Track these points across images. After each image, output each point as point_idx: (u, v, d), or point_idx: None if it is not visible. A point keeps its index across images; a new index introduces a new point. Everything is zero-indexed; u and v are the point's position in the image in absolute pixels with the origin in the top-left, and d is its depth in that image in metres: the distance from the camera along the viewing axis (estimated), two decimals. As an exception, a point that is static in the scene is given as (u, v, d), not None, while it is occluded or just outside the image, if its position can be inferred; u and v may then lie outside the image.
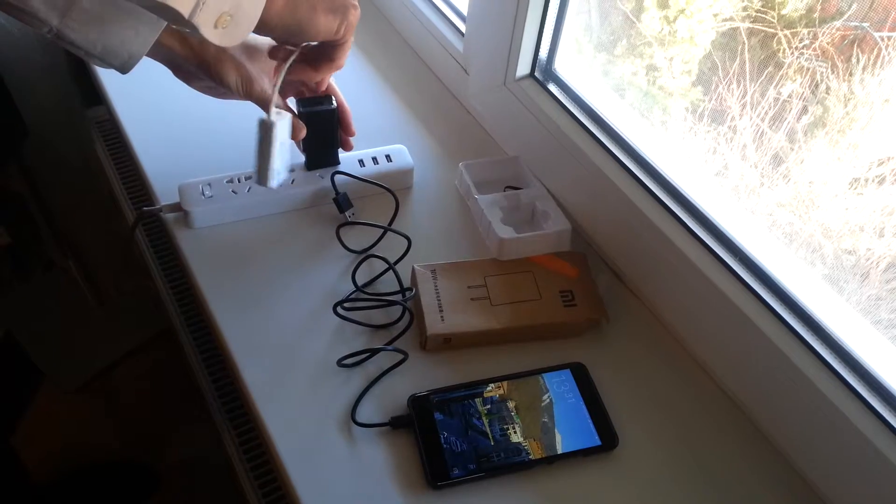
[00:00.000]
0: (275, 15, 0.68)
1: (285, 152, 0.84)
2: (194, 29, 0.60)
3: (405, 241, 0.90)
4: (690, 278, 0.81)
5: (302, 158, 0.96)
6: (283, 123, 0.81)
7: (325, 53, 0.80)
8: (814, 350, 0.73)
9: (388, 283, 0.89)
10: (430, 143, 1.08)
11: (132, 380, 1.84)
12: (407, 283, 0.88)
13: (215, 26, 0.62)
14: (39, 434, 1.73)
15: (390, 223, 0.94)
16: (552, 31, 0.95)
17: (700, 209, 0.83)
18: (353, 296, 0.87)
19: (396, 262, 0.88)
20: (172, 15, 0.59)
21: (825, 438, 0.72)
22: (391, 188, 0.96)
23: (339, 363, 0.81)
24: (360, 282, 0.88)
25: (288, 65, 0.79)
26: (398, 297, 0.85)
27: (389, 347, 0.82)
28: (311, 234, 0.94)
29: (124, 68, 0.68)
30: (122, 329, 1.84)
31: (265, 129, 0.80)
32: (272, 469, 1.10)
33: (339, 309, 0.84)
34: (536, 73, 1.00)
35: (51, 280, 1.88)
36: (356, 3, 0.75)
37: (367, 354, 0.82)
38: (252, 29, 0.66)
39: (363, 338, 0.84)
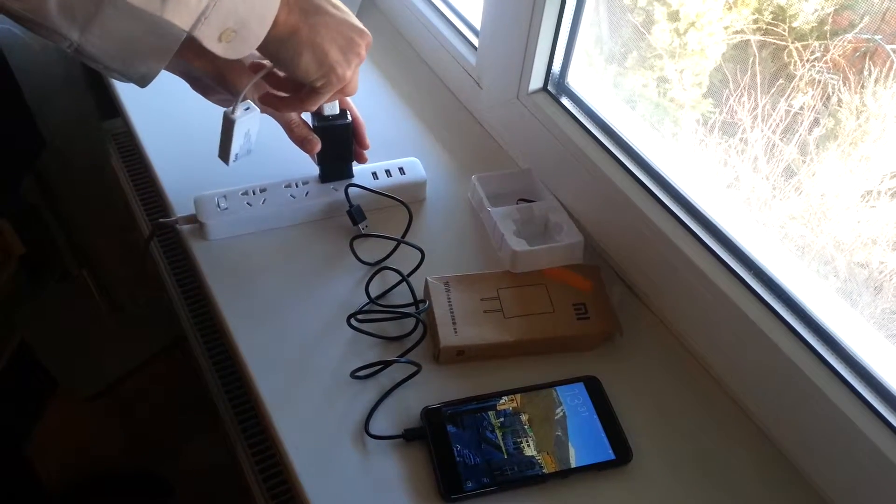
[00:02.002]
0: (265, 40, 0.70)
1: (247, 141, 0.88)
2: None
3: (419, 254, 0.90)
4: (704, 291, 0.81)
5: (316, 171, 0.97)
6: (246, 119, 0.84)
7: (298, 89, 0.81)
8: (829, 364, 0.72)
9: (401, 296, 0.89)
10: (443, 155, 1.09)
11: (146, 389, 1.84)
12: (420, 295, 0.88)
13: (219, 40, 0.65)
14: (53, 443, 1.73)
15: (404, 235, 0.94)
16: (565, 45, 0.96)
17: (713, 222, 0.83)
18: (366, 308, 0.87)
19: (410, 275, 0.89)
20: (176, 29, 0.62)
21: (841, 453, 0.72)
22: (404, 201, 0.96)
23: (353, 375, 0.81)
24: (373, 294, 0.89)
25: (255, 79, 0.81)
26: (412, 310, 0.86)
27: (403, 360, 0.82)
28: (324, 246, 0.94)
29: (143, 81, 0.69)
30: (136, 339, 1.85)
31: (226, 122, 0.84)
32: (285, 479, 1.10)
33: (352, 321, 0.84)
34: (549, 87, 1.00)
35: (66, 290, 1.89)
36: (345, 73, 0.77)
37: (381, 367, 0.82)
38: (258, 45, 0.68)
39: (376, 350, 0.85)
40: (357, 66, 0.78)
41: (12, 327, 1.82)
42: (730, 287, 0.79)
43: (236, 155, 0.87)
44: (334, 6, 0.74)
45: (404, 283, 0.89)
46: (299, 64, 0.73)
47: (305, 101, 0.80)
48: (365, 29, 0.77)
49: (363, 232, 0.94)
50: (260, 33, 0.67)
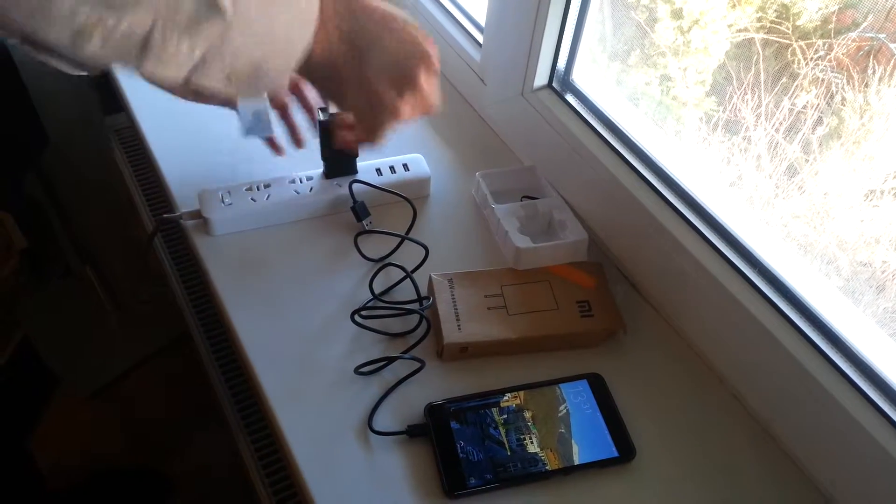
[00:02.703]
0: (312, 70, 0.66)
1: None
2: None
3: (423, 251, 0.90)
4: (707, 288, 0.82)
5: (320, 167, 0.97)
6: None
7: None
8: (833, 362, 0.73)
9: (405, 292, 0.89)
10: (447, 152, 1.09)
11: (148, 386, 1.84)
12: (424, 291, 0.89)
13: (227, 80, 0.59)
14: (55, 439, 1.73)
15: (408, 232, 0.94)
16: (570, 42, 0.96)
17: (717, 219, 0.83)
18: (370, 304, 0.87)
19: (414, 271, 0.89)
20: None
21: (844, 451, 0.72)
22: (408, 197, 0.96)
23: (357, 371, 0.81)
24: (377, 290, 0.89)
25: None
26: (415, 306, 0.86)
27: (406, 356, 0.82)
28: (328, 242, 0.95)
29: None
30: (138, 335, 1.85)
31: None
32: (288, 475, 1.10)
33: (356, 317, 0.85)
34: (554, 84, 1.00)
35: (68, 286, 1.89)
36: (398, 106, 0.71)
37: (384, 363, 0.82)
38: (284, 84, 0.64)
39: (380, 346, 0.85)
40: (413, 93, 0.72)
41: (14, 323, 1.82)
42: (734, 284, 0.80)
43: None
44: (394, 28, 0.68)
45: (408, 279, 0.89)
46: (345, 100, 0.69)
47: (368, 136, 0.75)
48: (427, 49, 0.71)
49: (367, 228, 0.94)
50: (283, 74, 0.62)
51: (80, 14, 0.47)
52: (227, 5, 0.52)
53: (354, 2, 0.65)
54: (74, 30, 0.48)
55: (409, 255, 0.92)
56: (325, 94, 0.70)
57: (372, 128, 0.72)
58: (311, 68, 0.64)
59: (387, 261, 0.92)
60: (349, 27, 0.64)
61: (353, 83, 0.67)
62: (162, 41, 0.51)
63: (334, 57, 0.65)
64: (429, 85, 0.72)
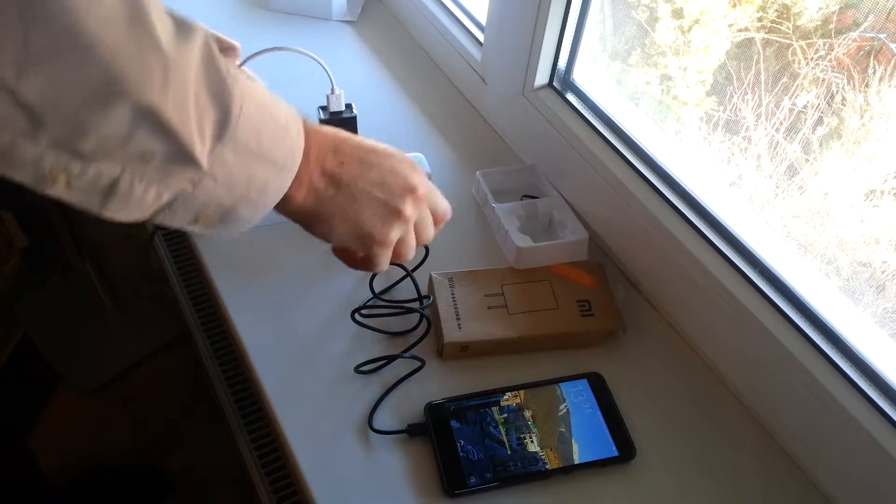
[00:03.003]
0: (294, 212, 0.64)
1: None
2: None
3: (422, 249, 0.90)
4: (707, 288, 0.82)
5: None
6: None
7: None
8: (833, 362, 0.73)
9: (405, 291, 0.89)
10: (448, 151, 1.09)
11: (148, 383, 1.84)
12: (425, 290, 0.89)
13: (194, 222, 0.56)
14: (55, 436, 1.73)
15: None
16: (571, 41, 0.96)
17: (718, 219, 0.83)
18: (370, 303, 0.87)
19: (414, 270, 0.89)
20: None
21: (844, 451, 0.72)
22: None
23: (357, 370, 0.82)
24: (377, 289, 0.89)
25: None
26: (416, 305, 0.86)
27: (407, 355, 0.82)
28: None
29: None
30: (138, 333, 1.85)
31: None
32: (288, 474, 1.10)
33: (356, 316, 0.85)
34: (555, 83, 1.00)
35: (68, 283, 1.89)
36: (386, 237, 0.68)
37: (385, 361, 0.82)
38: (252, 225, 0.61)
39: (380, 345, 0.85)
40: (402, 225, 0.69)
41: (15, 320, 1.82)
42: (734, 284, 0.80)
43: None
44: (375, 163, 0.67)
45: (409, 278, 0.89)
46: (333, 237, 0.67)
47: (367, 265, 0.72)
48: (412, 181, 0.68)
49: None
50: (255, 218, 0.59)
51: (45, 161, 0.45)
52: (204, 157, 0.51)
53: (339, 142, 0.65)
54: (38, 175, 0.46)
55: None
56: (312, 231, 0.67)
57: (366, 259, 0.70)
58: (294, 211, 0.63)
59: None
60: (332, 168, 0.64)
61: (338, 221, 0.66)
62: (129, 188, 0.50)
63: (318, 199, 0.64)
64: (419, 213, 0.71)
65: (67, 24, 0.41)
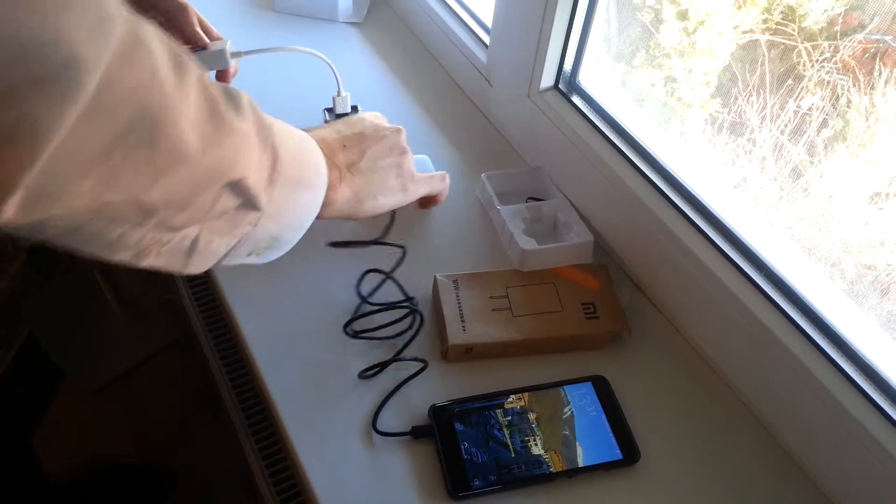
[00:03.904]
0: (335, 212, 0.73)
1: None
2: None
3: (400, 251, 0.88)
4: (712, 291, 0.82)
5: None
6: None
7: None
8: (839, 366, 0.73)
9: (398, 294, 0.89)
10: (453, 153, 1.09)
11: (152, 383, 1.85)
12: (410, 290, 0.88)
13: (248, 255, 0.64)
14: (58, 435, 1.74)
15: (383, 235, 0.88)
16: (577, 43, 0.96)
17: (723, 222, 0.83)
18: (360, 311, 0.87)
19: (392, 271, 0.88)
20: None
21: (849, 456, 0.72)
22: None
23: (361, 376, 0.81)
24: (364, 293, 0.88)
25: None
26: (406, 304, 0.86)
27: (409, 357, 0.82)
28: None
29: None
30: (143, 332, 1.86)
31: None
32: (292, 475, 1.10)
33: (348, 329, 0.85)
34: (560, 85, 1.00)
35: (73, 282, 1.90)
36: (415, 187, 0.83)
37: (378, 369, 0.82)
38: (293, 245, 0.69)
39: (384, 347, 0.85)
40: (409, 157, 0.83)
41: (20, 319, 1.83)
42: (739, 287, 0.80)
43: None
44: (361, 128, 0.78)
45: (392, 281, 0.88)
46: (380, 207, 0.78)
47: (434, 199, 0.89)
48: (389, 133, 0.80)
49: (332, 241, 0.87)
50: (296, 239, 0.67)
51: (144, 240, 0.50)
52: (264, 200, 0.57)
53: (333, 131, 0.76)
54: (137, 253, 0.51)
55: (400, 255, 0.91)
56: (359, 217, 0.77)
57: (427, 198, 0.88)
58: (338, 209, 0.72)
59: (368, 268, 0.90)
60: (345, 156, 0.74)
61: (376, 191, 0.77)
62: (207, 244, 0.55)
63: (351, 187, 0.73)
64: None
65: (175, 138, 0.46)
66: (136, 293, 1.85)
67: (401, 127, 0.82)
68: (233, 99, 0.53)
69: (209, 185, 0.51)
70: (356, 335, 0.85)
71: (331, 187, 0.69)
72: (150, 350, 1.86)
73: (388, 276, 0.88)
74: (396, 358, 0.82)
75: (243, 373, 1.24)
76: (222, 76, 0.93)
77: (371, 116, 0.82)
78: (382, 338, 0.85)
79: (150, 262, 0.53)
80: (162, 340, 1.87)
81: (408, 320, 0.86)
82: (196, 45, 0.86)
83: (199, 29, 0.86)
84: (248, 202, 0.55)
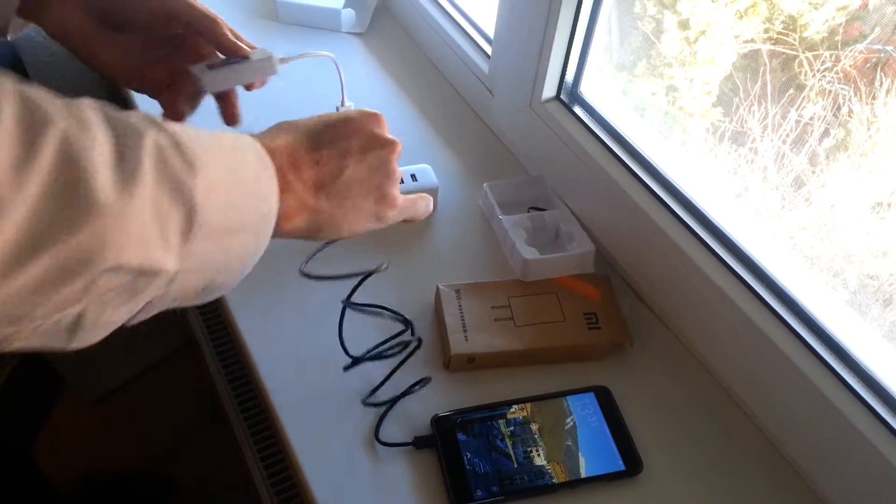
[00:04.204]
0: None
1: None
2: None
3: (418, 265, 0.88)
4: (714, 301, 0.82)
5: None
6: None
7: None
8: (841, 377, 0.72)
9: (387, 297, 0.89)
10: (455, 162, 1.09)
11: (154, 392, 1.85)
12: (411, 300, 0.88)
13: (171, 305, 0.55)
14: (60, 444, 1.74)
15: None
16: (579, 54, 0.96)
17: (724, 232, 0.83)
18: (362, 355, 0.84)
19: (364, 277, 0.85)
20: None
21: (852, 468, 0.72)
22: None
23: (365, 403, 0.81)
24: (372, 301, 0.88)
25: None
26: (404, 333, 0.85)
27: (416, 387, 0.81)
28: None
29: None
30: (145, 341, 1.86)
31: None
32: (294, 484, 1.10)
33: (350, 368, 0.83)
34: (562, 96, 1.00)
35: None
36: (391, 209, 0.69)
37: (378, 385, 0.81)
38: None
39: (388, 361, 0.85)
40: (396, 181, 0.69)
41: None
42: (740, 297, 0.80)
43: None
44: (348, 134, 0.66)
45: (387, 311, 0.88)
46: (345, 234, 0.67)
47: (410, 221, 0.75)
48: (379, 132, 0.68)
49: (311, 273, 0.86)
50: (237, 281, 0.59)
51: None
52: (172, 264, 0.48)
53: (307, 137, 0.64)
54: None
55: (397, 274, 0.92)
56: (321, 239, 0.68)
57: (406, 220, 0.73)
58: (291, 235, 0.63)
59: (346, 301, 0.85)
60: (312, 175, 0.63)
61: (341, 220, 0.66)
62: (95, 318, 0.47)
63: (311, 215, 0.63)
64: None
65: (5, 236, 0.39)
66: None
67: (395, 141, 0.69)
68: (126, 164, 0.44)
69: (65, 279, 0.42)
70: (356, 362, 0.83)
71: (283, 218, 0.60)
72: (152, 359, 1.86)
73: (386, 308, 0.88)
74: (400, 396, 0.81)
75: (245, 381, 1.24)
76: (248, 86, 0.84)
77: (363, 119, 0.69)
78: (385, 356, 0.84)
79: (21, 345, 0.45)
80: (164, 349, 1.87)
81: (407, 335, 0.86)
82: (236, 56, 0.81)
83: (235, 39, 0.81)
84: (147, 273, 0.47)
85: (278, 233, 0.60)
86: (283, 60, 0.82)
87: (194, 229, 0.49)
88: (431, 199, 0.76)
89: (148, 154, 0.46)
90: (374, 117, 0.69)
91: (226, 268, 0.56)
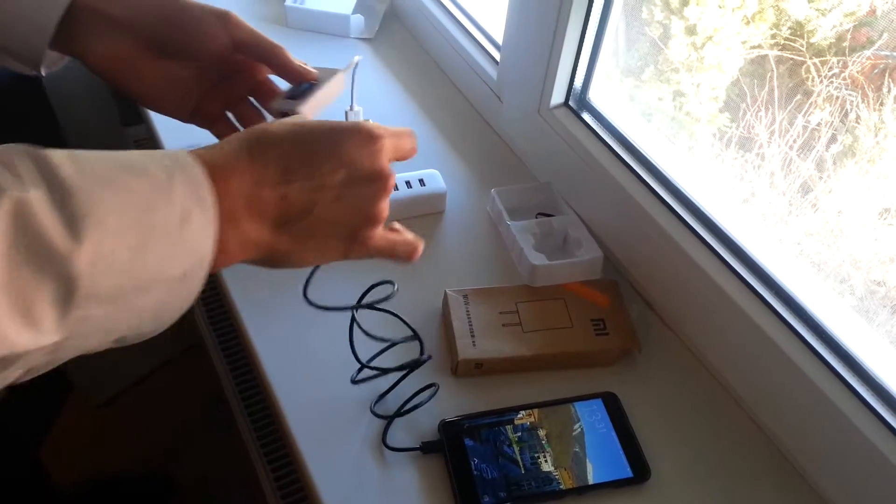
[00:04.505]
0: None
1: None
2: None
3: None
4: (722, 308, 0.82)
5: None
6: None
7: None
8: (849, 384, 0.72)
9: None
10: (463, 168, 1.10)
11: (160, 394, 1.85)
12: (419, 305, 0.88)
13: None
14: (66, 447, 1.74)
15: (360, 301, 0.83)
16: (587, 61, 0.96)
17: (732, 238, 0.83)
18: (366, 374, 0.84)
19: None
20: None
21: (860, 475, 0.72)
22: (425, 212, 0.99)
23: (374, 412, 0.80)
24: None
25: None
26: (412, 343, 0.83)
27: (424, 394, 0.80)
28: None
29: None
30: (152, 343, 1.86)
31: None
32: (301, 487, 1.11)
33: (355, 379, 0.83)
34: (571, 102, 1.00)
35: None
36: (364, 248, 0.62)
37: (391, 387, 0.82)
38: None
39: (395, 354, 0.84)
40: (379, 223, 0.61)
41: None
42: (748, 304, 0.80)
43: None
44: (330, 157, 0.56)
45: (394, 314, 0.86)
46: (306, 265, 0.61)
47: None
48: (375, 163, 0.59)
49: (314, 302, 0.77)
50: (161, 328, 0.52)
51: None
52: (44, 339, 0.42)
53: (278, 167, 0.54)
54: None
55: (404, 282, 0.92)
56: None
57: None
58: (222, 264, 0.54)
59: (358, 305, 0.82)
60: (273, 211, 0.55)
61: (299, 258, 0.59)
62: None
63: (263, 251, 0.56)
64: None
65: None
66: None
67: (388, 174, 0.59)
68: None
69: None
70: (363, 371, 0.83)
71: (225, 254, 0.53)
72: (158, 360, 1.87)
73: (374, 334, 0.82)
74: (408, 404, 0.80)
75: (253, 384, 1.25)
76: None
77: (356, 142, 0.58)
78: (389, 370, 0.82)
79: None
80: (171, 351, 1.88)
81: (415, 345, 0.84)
82: (306, 80, 0.75)
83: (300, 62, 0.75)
84: (6, 361, 0.41)
85: (216, 269, 0.53)
86: (350, 67, 0.80)
87: (76, 299, 0.43)
88: (419, 245, 0.67)
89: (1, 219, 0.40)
90: (371, 141, 0.59)
91: (139, 323, 0.49)
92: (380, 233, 0.62)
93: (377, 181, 0.59)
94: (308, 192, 0.55)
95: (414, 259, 0.66)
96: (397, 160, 0.64)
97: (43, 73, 0.71)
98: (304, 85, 0.76)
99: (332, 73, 0.77)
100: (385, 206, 0.61)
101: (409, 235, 0.67)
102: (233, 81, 0.78)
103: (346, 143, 0.57)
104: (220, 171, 0.51)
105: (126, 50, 0.70)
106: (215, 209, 0.49)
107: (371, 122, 0.61)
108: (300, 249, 0.58)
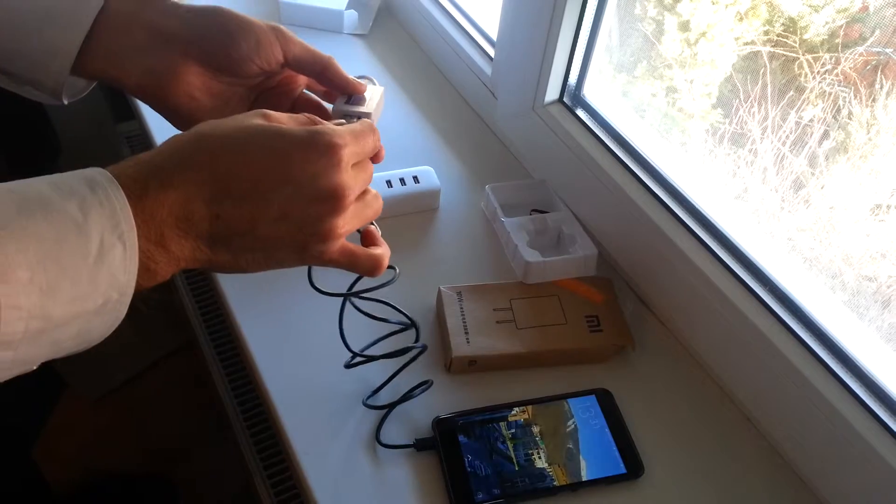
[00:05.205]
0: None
1: None
2: None
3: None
4: (716, 304, 0.82)
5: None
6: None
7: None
8: (841, 380, 0.72)
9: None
10: (457, 165, 1.10)
11: (154, 392, 1.85)
12: (413, 302, 0.88)
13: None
14: (60, 445, 1.74)
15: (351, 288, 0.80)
16: (581, 58, 0.96)
17: (726, 234, 0.83)
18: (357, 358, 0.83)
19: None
20: None
21: (852, 470, 0.72)
22: (419, 209, 0.99)
23: (366, 404, 0.80)
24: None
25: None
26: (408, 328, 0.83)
27: (417, 391, 0.80)
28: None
29: None
30: (145, 341, 1.85)
31: None
32: (294, 486, 1.10)
33: (350, 362, 0.82)
34: (565, 99, 1.00)
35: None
36: (322, 253, 0.57)
37: (385, 383, 0.81)
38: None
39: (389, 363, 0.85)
40: (335, 240, 0.57)
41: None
42: (741, 300, 0.80)
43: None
44: (276, 175, 0.52)
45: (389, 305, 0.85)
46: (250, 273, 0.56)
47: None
48: (332, 180, 0.53)
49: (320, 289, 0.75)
50: (96, 340, 0.50)
51: None
52: None
53: (211, 181, 0.50)
54: None
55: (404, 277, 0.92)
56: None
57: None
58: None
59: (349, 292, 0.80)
60: (204, 230, 0.51)
61: (241, 268, 0.55)
62: None
63: (198, 263, 0.53)
64: (354, 206, 0.57)
65: None
66: (140, 302, 1.86)
67: (343, 194, 0.54)
68: None
69: None
70: (356, 358, 0.82)
71: (154, 274, 0.50)
72: (152, 358, 1.86)
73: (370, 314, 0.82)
74: (401, 400, 0.80)
75: (246, 382, 1.24)
76: None
77: (313, 154, 0.53)
78: (385, 356, 0.81)
79: None
80: (164, 348, 1.87)
81: (410, 335, 0.84)
82: (355, 94, 0.72)
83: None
84: None
85: (144, 287, 0.50)
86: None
87: None
88: (384, 259, 0.63)
89: None
90: (327, 154, 0.53)
91: (59, 350, 0.47)
92: (337, 247, 0.58)
93: (330, 199, 0.54)
94: (247, 209, 0.51)
95: (377, 274, 0.62)
96: (373, 163, 0.61)
97: (65, 102, 0.66)
98: (356, 98, 0.73)
99: (378, 89, 0.74)
100: (343, 222, 0.56)
101: (375, 249, 0.63)
102: (272, 96, 0.73)
103: (295, 156, 0.52)
104: (147, 191, 0.47)
105: (176, 66, 0.63)
106: (136, 239, 0.46)
107: (331, 126, 0.56)
108: (245, 262, 0.54)
